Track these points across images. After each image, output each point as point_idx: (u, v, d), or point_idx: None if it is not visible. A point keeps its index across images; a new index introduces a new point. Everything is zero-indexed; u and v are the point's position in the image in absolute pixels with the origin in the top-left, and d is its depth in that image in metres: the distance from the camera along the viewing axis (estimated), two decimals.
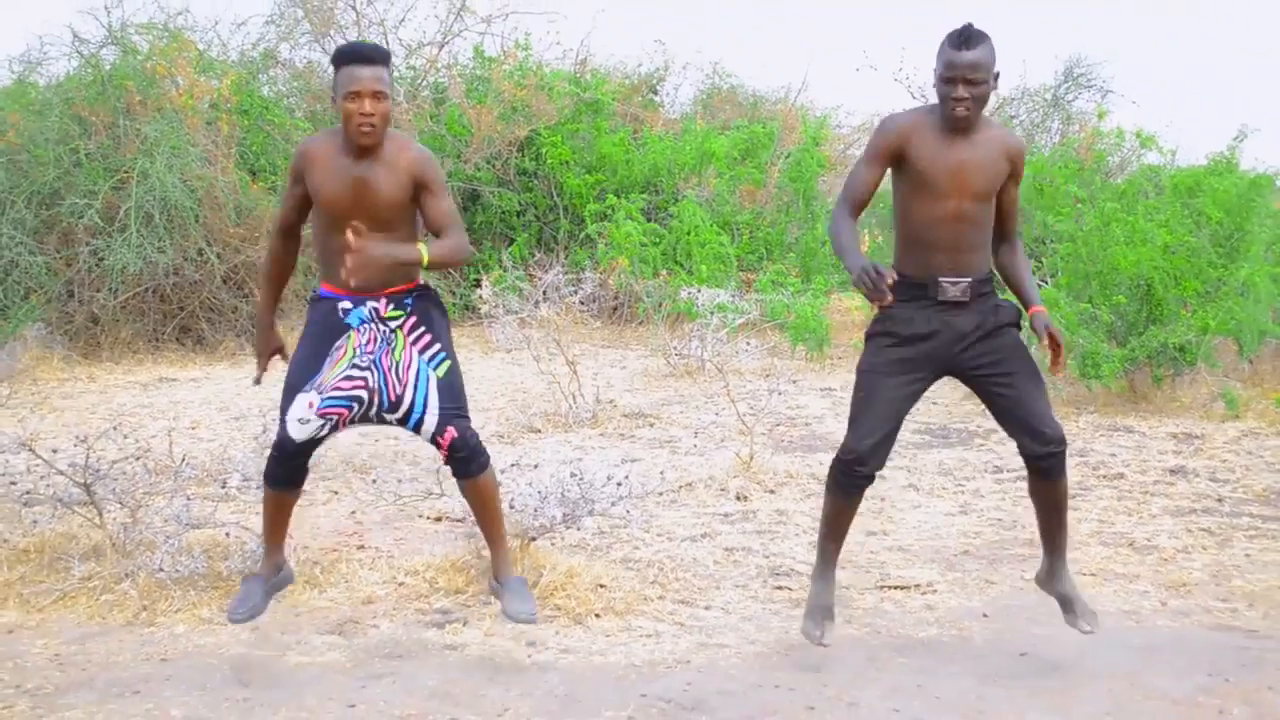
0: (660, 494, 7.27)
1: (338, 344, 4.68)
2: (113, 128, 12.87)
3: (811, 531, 6.73)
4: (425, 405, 4.67)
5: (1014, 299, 4.94)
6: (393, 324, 4.72)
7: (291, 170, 4.79)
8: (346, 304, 4.70)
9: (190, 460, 6.73)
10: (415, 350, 4.72)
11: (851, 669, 4.85)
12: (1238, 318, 9.74)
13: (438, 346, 4.77)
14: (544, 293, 12.54)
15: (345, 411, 4.61)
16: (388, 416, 4.69)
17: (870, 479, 4.85)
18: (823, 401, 10.61)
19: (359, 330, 4.69)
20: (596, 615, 5.40)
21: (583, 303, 14.28)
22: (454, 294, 15.27)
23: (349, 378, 4.61)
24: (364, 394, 4.62)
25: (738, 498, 7.41)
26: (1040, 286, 10.57)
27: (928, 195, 4.66)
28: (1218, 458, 8.37)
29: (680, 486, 7.58)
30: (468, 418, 4.77)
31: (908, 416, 4.91)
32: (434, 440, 4.71)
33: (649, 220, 15.15)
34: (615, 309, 15.30)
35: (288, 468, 4.74)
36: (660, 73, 20.14)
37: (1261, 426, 9.24)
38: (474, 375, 11.94)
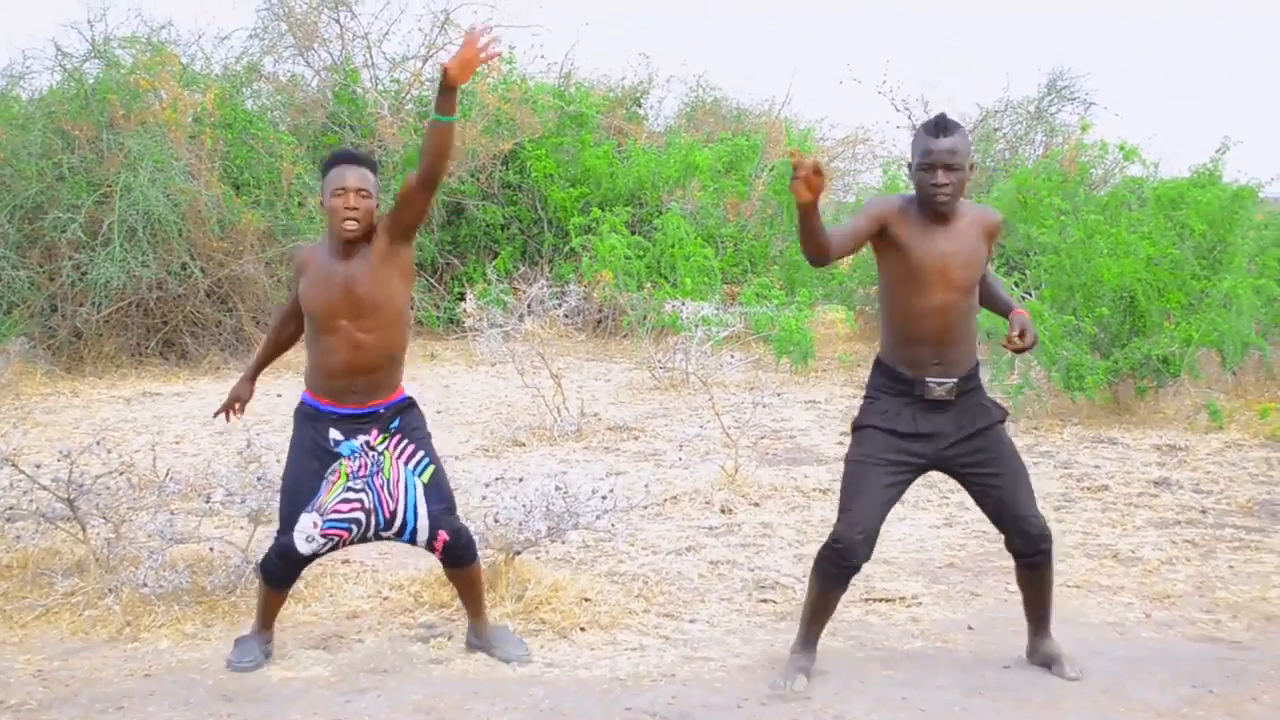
0: (645, 507, 7.26)
1: (331, 468, 4.88)
2: (96, 142, 12.85)
3: (797, 544, 6.73)
4: (416, 515, 4.90)
5: (994, 398, 4.97)
6: (380, 448, 4.91)
7: (294, 274, 5.10)
8: (338, 436, 4.89)
9: (174, 475, 6.71)
10: (401, 463, 4.92)
11: (836, 682, 4.85)
12: (1221, 329, 9.77)
13: (421, 453, 4.98)
14: (528, 306, 12.56)
15: (345, 534, 4.86)
16: (384, 534, 4.95)
17: (857, 569, 4.81)
18: (807, 414, 10.61)
19: (349, 459, 4.88)
20: (581, 629, 5.40)
21: (567, 316, 14.29)
22: (438, 307, 15.28)
23: (345, 500, 4.84)
24: (361, 515, 4.86)
25: (722, 511, 7.41)
26: (1024, 299, 10.60)
27: (912, 288, 4.66)
28: (1201, 469, 8.39)
29: (665, 500, 7.58)
30: (456, 513, 5.00)
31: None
32: (429, 547, 4.95)
33: (633, 233, 15.16)
34: (600, 322, 15.30)
35: (286, 573, 4.99)
36: (644, 86, 20.17)
37: (1245, 438, 9.26)
38: (458, 389, 11.95)
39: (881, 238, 4.70)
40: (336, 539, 4.83)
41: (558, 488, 5.94)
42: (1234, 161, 44.77)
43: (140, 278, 12.40)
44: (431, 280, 15.97)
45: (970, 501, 7.45)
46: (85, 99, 13.15)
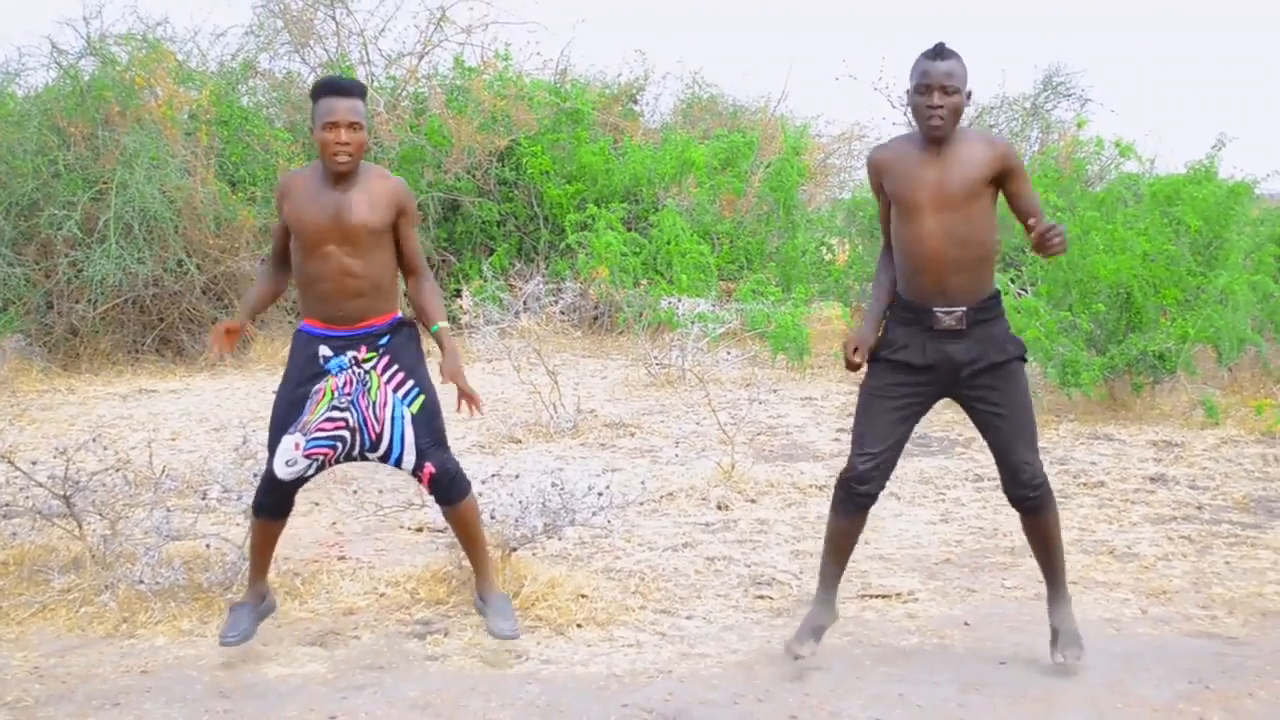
0: (641, 504, 7.26)
1: (316, 386, 4.87)
2: (91, 139, 12.83)
3: (793, 540, 6.74)
4: (403, 443, 4.92)
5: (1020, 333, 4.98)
6: (366, 365, 4.90)
7: (276, 201, 5.02)
8: (327, 352, 4.89)
9: (170, 472, 6.71)
10: (389, 389, 4.92)
11: (833, 678, 4.85)
12: (1217, 325, 9.77)
13: (410, 382, 4.97)
14: (524, 303, 12.54)
15: (330, 452, 4.85)
16: (369, 455, 4.95)
17: (872, 498, 4.88)
18: (803, 410, 10.62)
19: (335, 375, 4.88)
20: (578, 625, 5.40)
21: (563, 312, 14.29)
22: None
23: (330, 419, 4.84)
24: (345, 434, 4.86)
25: (719, 507, 7.41)
26: (1020, 295, 10.60)
27: (905, 215, 4.71)
28: (1197, 465, 8.39)
29: (661, 496, 7.58)
30: (445, 447, 5.03)
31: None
32: (415, 475, 4.97)
33: (629, 230, 15.16)
34: (596, 319, 15.30)
35: (275, 499, 4.97)
36: (640, 82, 20.15)
37: (1241, 434, 9.27)
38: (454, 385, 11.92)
39: (884, 182, 4.79)
40: (321, 458, 4.84)
41: (554, 484, 5.94)
42: (1230, 158, 44.80)
43: (136, 274, 12.39)
44: None
45: (966, 497, 7.52)
46: (81, 96, 13.12)
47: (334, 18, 17.44)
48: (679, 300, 12.46)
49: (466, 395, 4.99)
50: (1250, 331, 10.10)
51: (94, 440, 6.65)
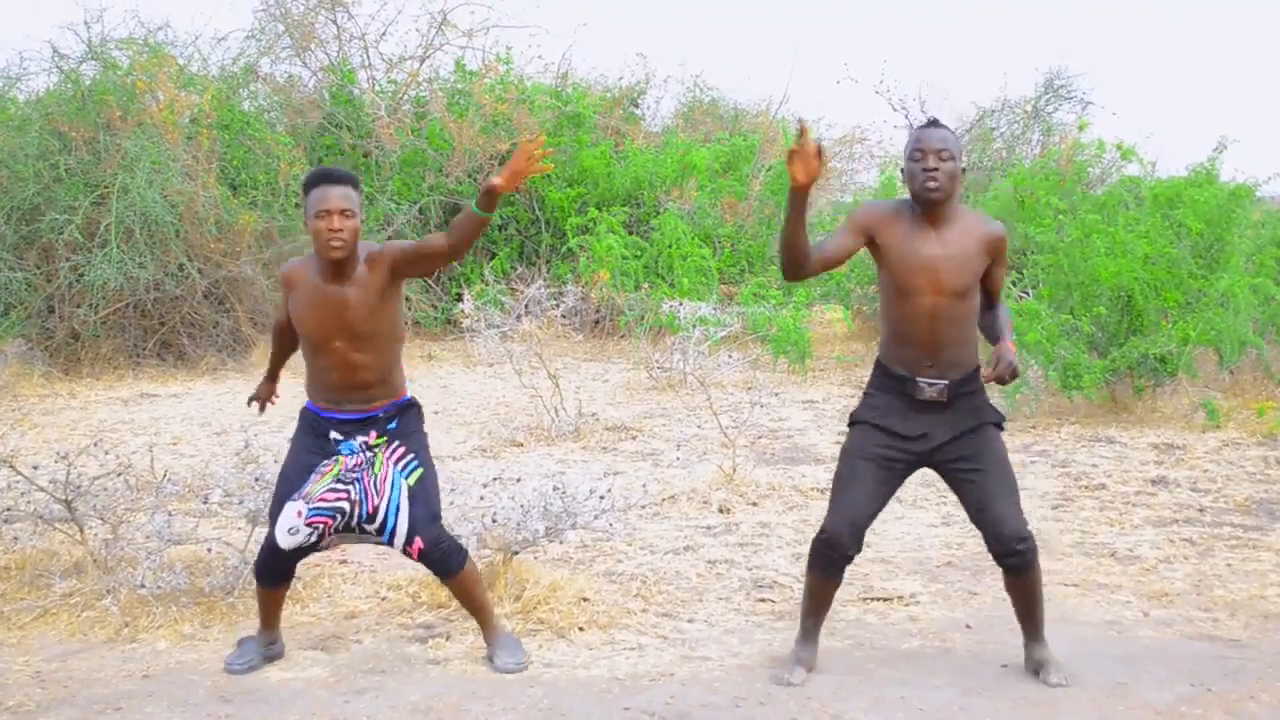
0: (643, 507, 7.26)
1: (325, 461, 4.89)
2: (93, 143, 12.85)
3: (795, 543, 6.74)
4: (397, 514, 4.87)
5: (994, 404, 4.97)
6: (376, 446, 4.92)
7: (283, 278, 5.06)
8: (337, 435, 4.91)
9: (171, 476, 6.72)
10: (391, 463, 4.92)
11: (835, 681, 4.85)
12: (1218, 328, 9.77)
13: (411, 456, 4.96)
14: (526, 306, 12.53)
15: (330, 521, 4.83)
16: (367, 528, 4.91)
17: (848, 560, 4.86)
18: (805, 414, 10.62)
19: (348, 456, 4.90)
20: (580, 629, 5.40)
21: (564, 316, 14.27)
22: (435, 308, 15.27)
23: (334, 490, 4.84)
24: (346, 505, 4.85)
25: (720, 510, 7.41)
26: (1022, 299, 10.60)
27: (901, 293, 4.68)
28: (1199, 468, 8.39)
29: (663, 499, 7.58)
30: (438, 521, 4.94)
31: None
32: (404, 551, 4.90)
33: (630, 233, 15.16)
34: (597, 322, 15.30)
35: (276, 568, 4.96)
36: (641, 86, 20.16)
37: (1242, 437, 9.26)
38: (456, 390, 11.96)
39: (873, 245, 4.72)
40: (321, 527, 4.81)
41: (555, 488, 5.94)
42: (1231, 160, 44.85)
43: (137, 279, 12.40)
44: (429, 281, 15.96)
45: None
46: (82, 100, 13.14)
47: (335, 22, 17.48)
48: (680, 304, 12.45)
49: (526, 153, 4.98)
50: (1251, 334, 10.10)
51: (95, 445, 6.66)
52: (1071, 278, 10.26)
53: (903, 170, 4.72)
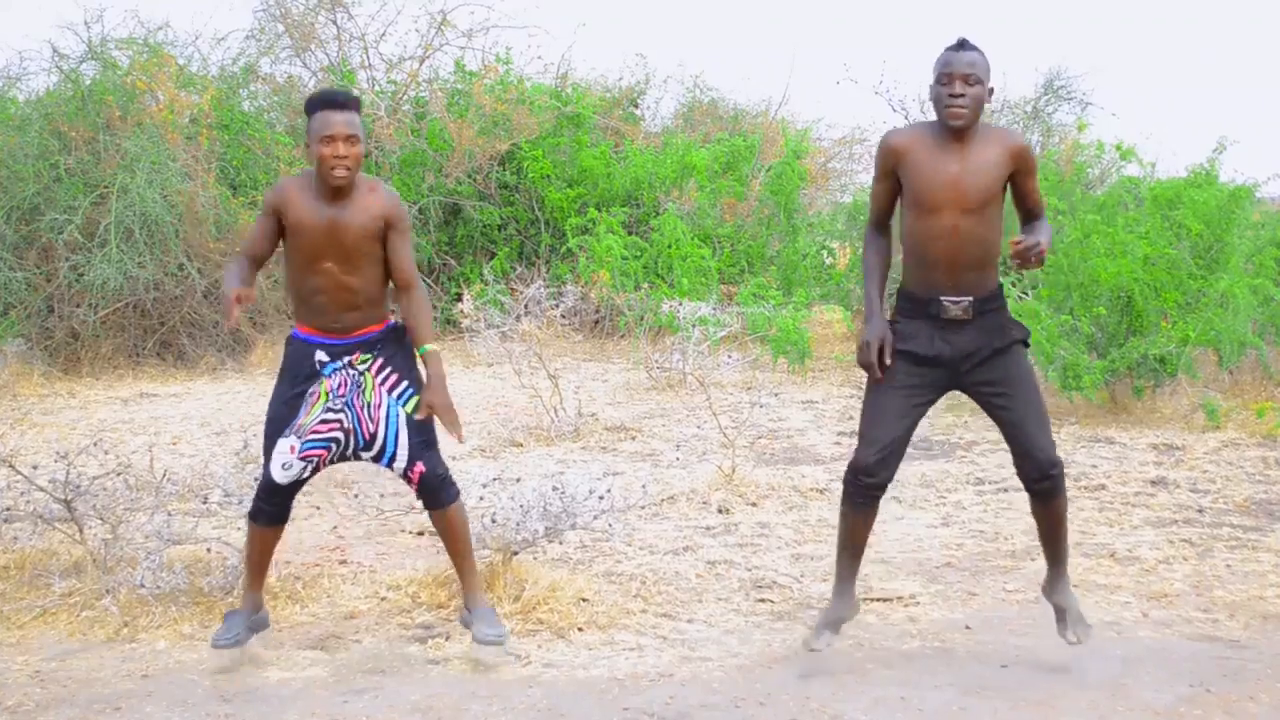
0: (642, 507, 7.26)
1: (311, 389, 4.89)
2: (93, 143, 12.84)
3: (794, 544, 6.74)
4: (396, 441, 4.91)
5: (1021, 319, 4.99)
6: (361, 368, 4.93)
7: (267, 202, 4.96)
8: (322, 356, 4.91)
9: (171, 476, 6.71)
10: (384, 390, 4.94)
11: (834, 681, 4.85)
12: (1218, 329, 9.77)
13: (405, 384, 4.98)
14: (525, 306, 12.52)
15: (324, 453, 4.86)
16: (363, 455, 4.94)
17: (880, 489, 4.90)
18: (805, 414, 10.62)
19: (330, 377, 4.90)
20: (579, 629, 5.40)
21: (564, 316, 14.26)
22: (435, 308, 15.26)
23: (325, 421, 4.85)
24: (340, 435, 4.88)
25: (720, 511, 7.41)
26: (1020, 299, 10.60)
27: (922, 211, 4.71)
28: (1198, 468, 8.39)
29: (662, 500, 7.58)
30: (437, 450, 5.00)
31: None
32: (405, 476, 4.95)
33: (630, 234, 15.14)
34: (597, 322, 15.29)
35: (273, 505, 4.96)
36: (641, 86, 20.15)
37: (1242, 437, 9.26)
38: (456, 389, 11.85)
39: (898, 171, 4.79)
40: (316, 459, 4.84)
41: (555, 488, 5.94)
42: (1231, 161, 44.72)
43: (137, 279, 12.39)
44: (428, 281, 15.95)
45: (968, 501, 7.52)
46: (82, 100, 13.13)
47: (335, 22, 17.48)
48: (680, 304, 12.44)
49: (447, 424, 4.93)
50: (1251, 335, 10.09)
51: (95, 444, 6.66)
52: (1071, 278, 10.26)
53: (930, 89, 4.73)
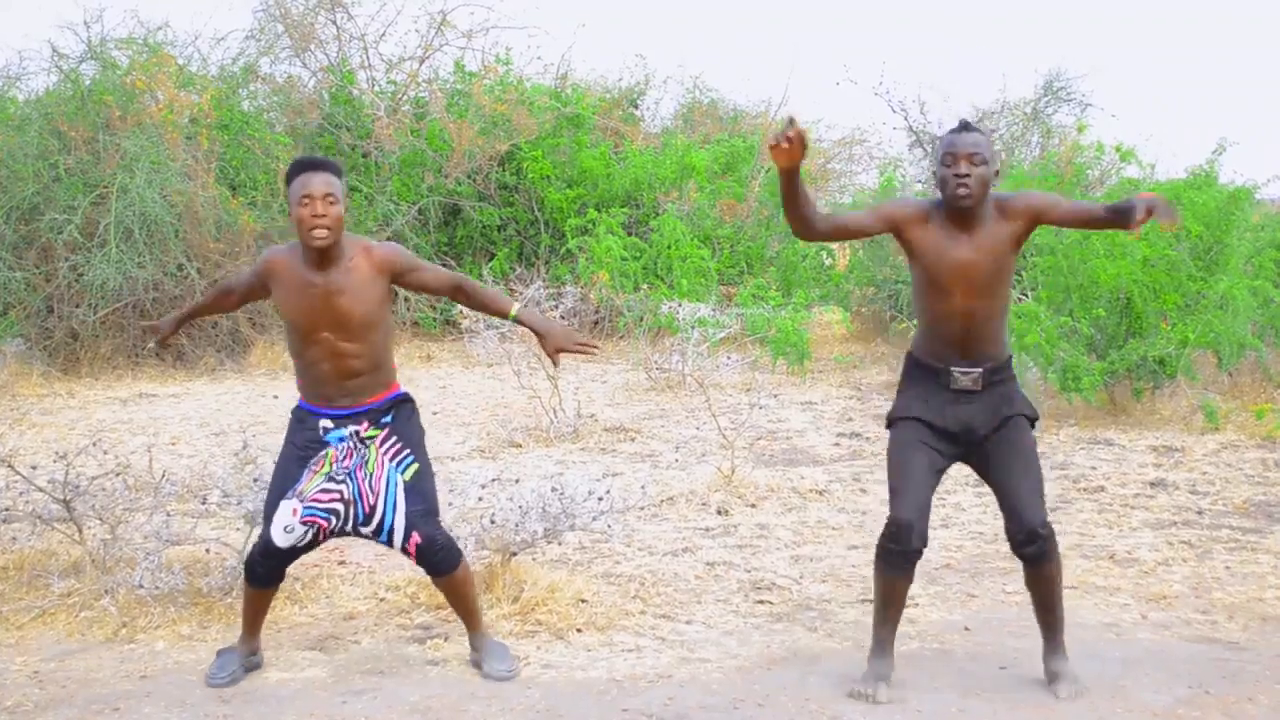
0: (641, 508, 7.26)
1: (316, 458, 4.82)
2: (92, 143, 12.85)
3: (793, 545, 6.74)
4: (394, 512, 4.80)
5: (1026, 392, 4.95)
6: (369, 442, 4.86)
7: (256, 270, 4.95)
8: (328, 424, 4.85)
9: (170, 476, 6.70)
10: (386, 459, 4.86)
11: (833, 682, 4.85)
12: (1217, 330, 9.77)
13: (406, 451, 4.89)
14: (525, 307, 12.53)
15: (325, 523, 4.78)
16: (362, 530, 4.85)
17: (918, 553, 4.74)
18: (804, 415, 10.62)
19: (335, 446, 4.83)
20: (578, 630, 5.40)
21: (564, 317, 14.25)
22: (434, 308, 15.26)
23: (326, 490, 4.78)
24: (340, 507, 4.79)
25: (719, 512, 7.41)
26: (1020, 300, 10.60)
27: (934, 292, 4.66)
28: (1198, 470, 8.39)
29: (661, 501, 7.58)
30: (436, 518, 4.88)
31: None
32: (403, 549, 4.83)
33: (629, 234, 15.16)
34: (596, 323, 15.31)
35: (268, 569, 4.85)
36: (641, 87, 20.17)
37: (1241, 439, 9.26)
38: (455, 390, 11.96)
39: (901, 240, 4.71)
40: (316, 527, 4.74)
41: (554, 489, 5.94)
42: (1230, 163, 44.73)
43: (137, 279, 12.41)
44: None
45: (967, 503, 7.52)
46: (82, 100, 13.15)
47: (335, 22, 17.49)
48: (679, 305, 12.45)
49: (581, 350, 5.06)
50: (1250, 336, 10.09)
51: (94, 445, 6.65)
52: (1070, 280, 10.26)
53: (934, 174, 4.70)
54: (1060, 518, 7.17)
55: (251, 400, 11.27)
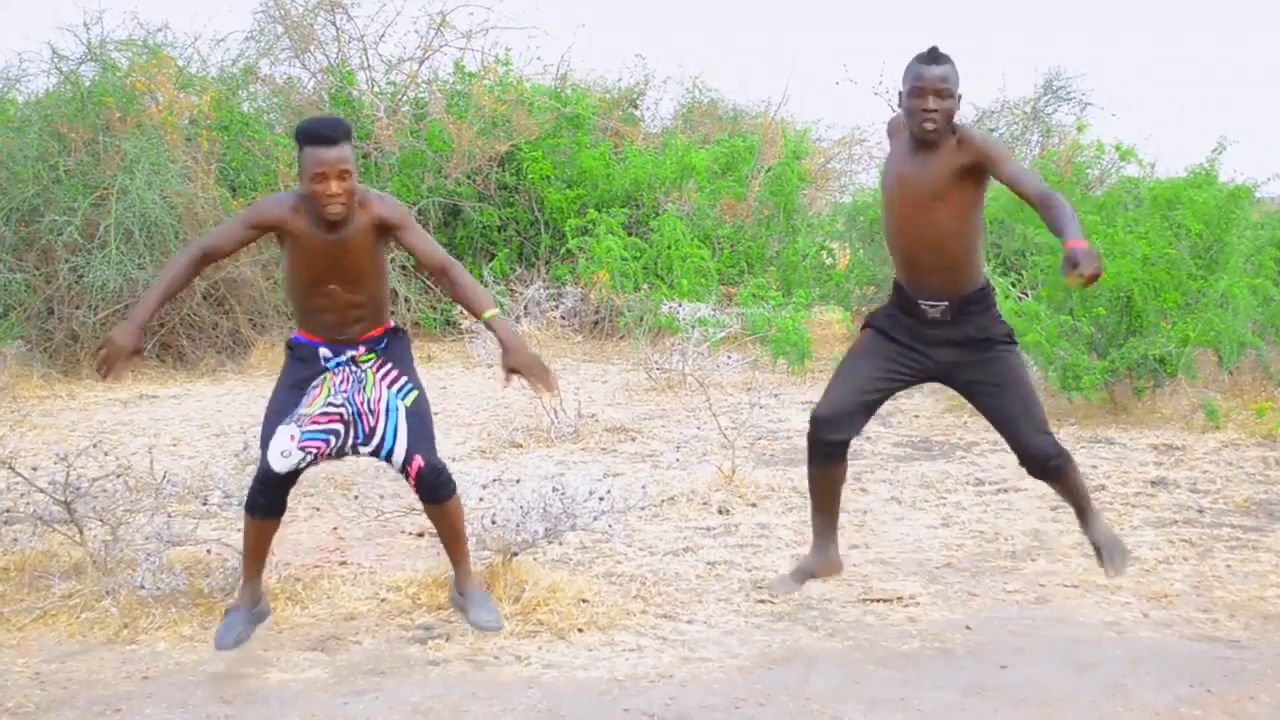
0: (642, 508, 7.26)
1: (314, 382, 4.92)
2: (92, 144, 12.85)
3: (794, 545, 6.73)
4: (395, 435, 4.90)
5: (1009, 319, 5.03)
6: (364, 365, 4.96)
7: (257, 219, 4.90)
8: (326, 352, 4.95)
9: (171, 477, 6.70)
10: (384, 385, 4.97)
11: (834, 682, 4.85)
12: (1217, 329, 9.77)
13: (405, 379, 5.01)
14: (525, 307, 12.56)
15: (323, 445, 4.85)
16: (361, 449, 4.94)
17: (836, 446, 5.10)
18: (804, 415, 10.56)
19: (334, 372, 4.93)
20: (579, 630, 5.40)
21: (564, 317, 14.30)
22: (435, 309, 15.26)
23: (325, 413, 4.86)
24: (340, 427, 4.88)
25: (720, 511, 7.41)
26: (1020, 299, 10.60)
27: (884, 208, 4.84)
28: (1198, 469, 8.39)
29: (662, 500, 7.58)
30: (434, 446, 4.98)
31: (887, 414, 5.01)
32: (403, 469, 4.93)
33: (630, 234, 15.15)
34: (596, 323, 15.30)
35: (269, 498, 4.90)
36: (641, 87, 20.15)
37: (1242, 437, 9.26)
38: (456, 390, 11.95)
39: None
40: (315, 450, 4.82)
41: (555, 489, 5.94)
42: (1230, 161, 44.72)
43: (137, 280, 12.39)
44: (428, 281, 15.96)
45: (968, 501, 7.52)
46: (81, 102, 13.14)
47: (334, 23, 17.48)
48: (680, 305, 12.45)
49: (537, 381, 4.79)
50: (1251, 335, 10.09)
51: (95, 446, 6.66)
52: None
53: (899, 95, 4.81)
54: (1061, 516, 7.17)
55: (252, 401, 11.27)
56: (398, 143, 16.03)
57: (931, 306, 4.76)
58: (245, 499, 4.98)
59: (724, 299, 14.73)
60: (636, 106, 20.12)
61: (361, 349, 4.95)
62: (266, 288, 13.39)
